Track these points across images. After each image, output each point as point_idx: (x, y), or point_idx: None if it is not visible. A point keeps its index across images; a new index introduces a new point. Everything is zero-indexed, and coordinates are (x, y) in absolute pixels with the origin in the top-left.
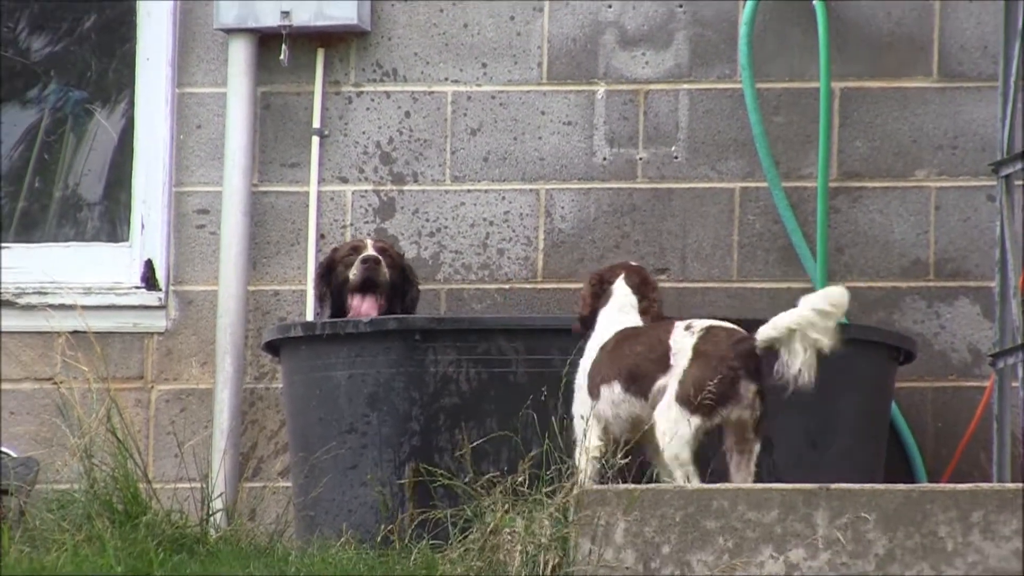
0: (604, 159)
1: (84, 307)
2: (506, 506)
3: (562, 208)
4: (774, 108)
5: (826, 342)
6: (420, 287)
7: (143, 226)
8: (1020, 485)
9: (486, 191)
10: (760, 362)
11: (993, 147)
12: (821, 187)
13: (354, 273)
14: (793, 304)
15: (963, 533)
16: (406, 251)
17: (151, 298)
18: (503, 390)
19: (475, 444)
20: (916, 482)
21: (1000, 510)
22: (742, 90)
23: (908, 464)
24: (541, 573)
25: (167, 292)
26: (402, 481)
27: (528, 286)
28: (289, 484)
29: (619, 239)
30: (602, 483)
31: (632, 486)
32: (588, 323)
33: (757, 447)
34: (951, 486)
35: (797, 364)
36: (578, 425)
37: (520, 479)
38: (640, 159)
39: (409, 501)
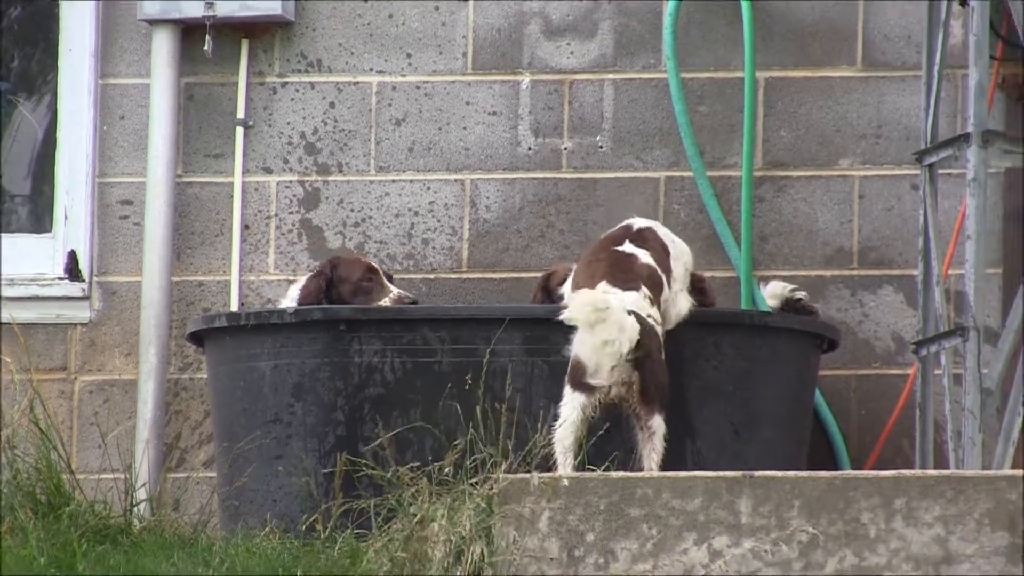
0: (529, 149)
1: (7, 298)
2: (431, 496)
3: (487, 198)
4: (699, 98)
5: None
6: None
7: (66, 217)
8: (942, 472)
9: (411, 181)
10: (644, 337)
11: (917, 136)
12: (746, 176)
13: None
14: (717, 294)
15: (886, 520)
16: (331, 242)
17: (74, 289)
18: (428, 380)
19: (397, 431)
20: (840, 469)
21: (923, 496)
22: (667, 80)
23: (832, 451)
24: (466, 563)
25: (91, 283)
26: (327, 471)
27: (453, 276)
28: (213, 474)
29: (544, 229)
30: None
31: (556, 474)
32: None
33: (655, 422)
34: (874, 473)
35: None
36: None
37: (445, 469)
38: (565, 149)
39: (333, 491)
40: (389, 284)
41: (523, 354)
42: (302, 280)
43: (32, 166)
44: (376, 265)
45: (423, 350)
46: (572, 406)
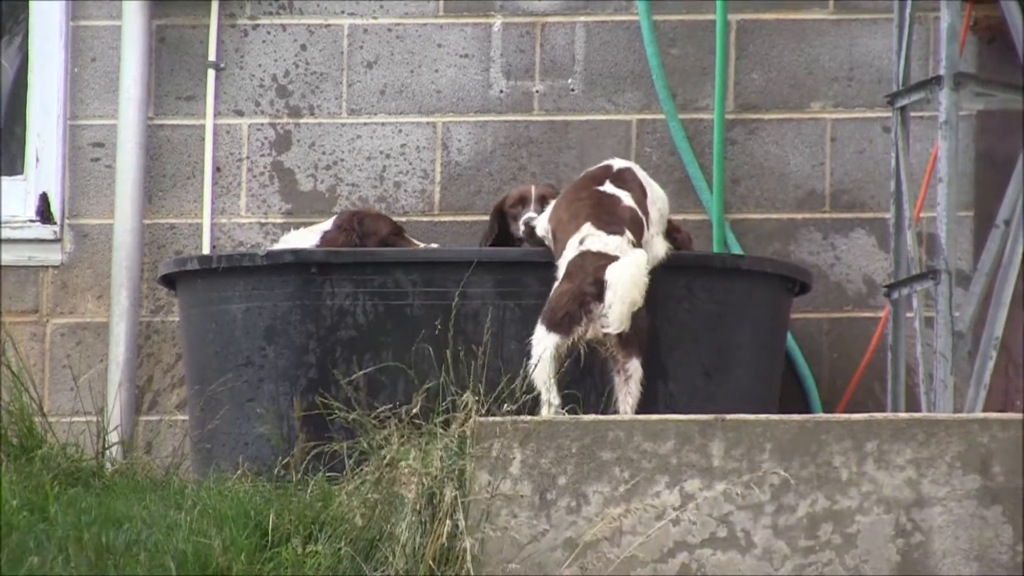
0: (501, 92)
1: None
2: (402, 438)
3: (459, 141)
4: (671, 40)
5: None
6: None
7: (38, 159)
8: (914, 415)
9: (383, 124)
10: None
11: (889, 79)
12: (718, 119)
13: (518, 231)
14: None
15: (857, 463)
16: (302, 184)
17: (46, 231)
18: (400, 323)
19: (369, 373)
20: (811, 412)
21: (894, 440)
22: (639, 22)
23: (803, 394)
24: (438, 504)
25: (62, 225)
26: (299, 415)
27: (425, 219)
28: (186, 417)
29: (516, 171)
30: None
31: (528, 417)
32: None
33: (632, 366)
34: (846, 416)
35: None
36: None
37: (414, 411)
38: (537, 91)
39: (304, 433)
40: (414, 241)
41: (495, 297)
42: (316, 229)
43: (3, 108)
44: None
45: (395, 293)
46: (544, 345)
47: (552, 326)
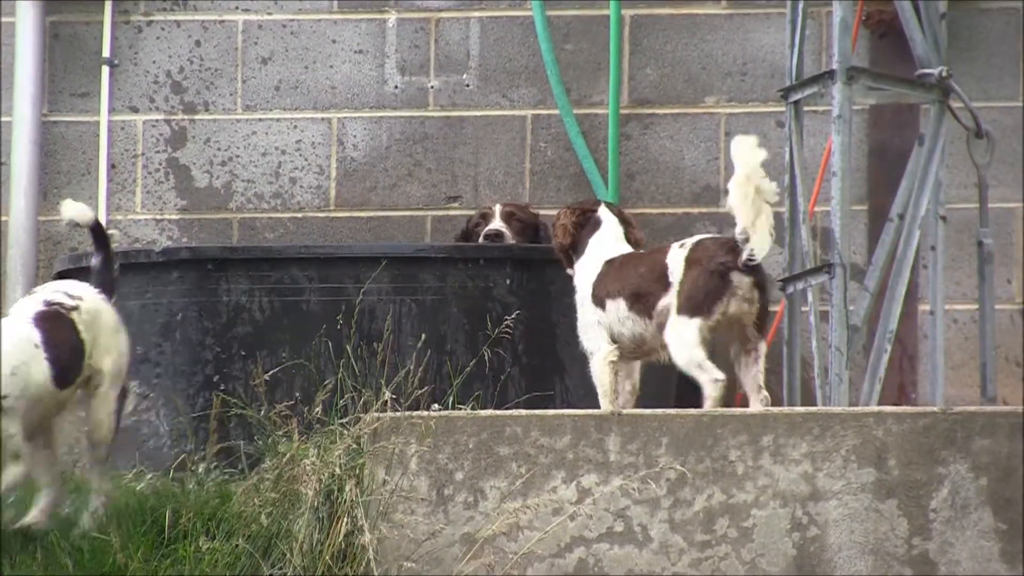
0: (396, 87)
1: None
2: (302, 436)
3: (354, 136)
4: (564, 36)
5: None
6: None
7: None
8: (809, 409)
9: (278, 120)
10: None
11: (782, 73)
12: (612, 114)
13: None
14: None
15: (753, 457)
16: (198, 180)
17: None
18: (297, 319)
19: (268, 373)
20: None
21: (790, 434)
22: (533, 18)
23: (698, 389)
24: (336, 502)
25: None
26: (196, 414)
27: (321, 215)
28: (83, 414)
29: (412, 167)
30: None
31: (425, 413)
32: (574, 249)
33: (762, 347)
34: (741, 411)
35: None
36: (585, 339)
37: (316, 410)
38: (432, 87)
39: (203, 431)
40: (493, 224)
41: (391, 292)
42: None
43: None
44: (495, 210)
45: (291, 289)
46: (689, 333)
47: (693, 311)
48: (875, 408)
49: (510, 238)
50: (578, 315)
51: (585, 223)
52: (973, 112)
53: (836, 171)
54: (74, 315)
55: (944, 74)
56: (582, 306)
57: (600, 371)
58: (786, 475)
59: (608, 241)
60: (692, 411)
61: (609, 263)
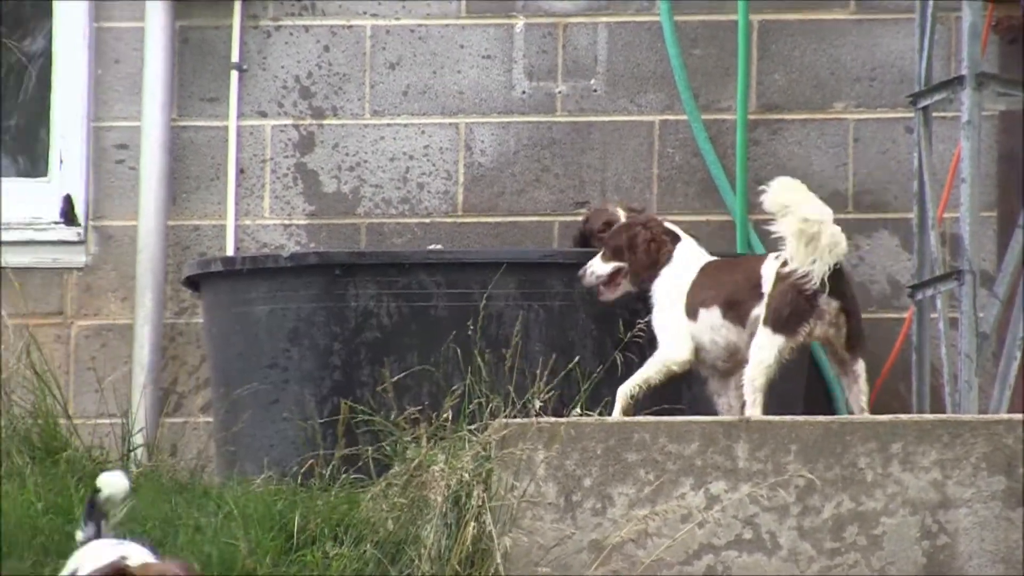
0: (523, 93)
1: (3, 243)
2: (430, 442)
3: (482, 142)
4: (692, 41)
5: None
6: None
7: (62, 161)
8: (939, 416)
9: (406, 125)
10: (843, 281)
11: (911, 79)
12: (740, 120)
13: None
14: (713, 238)
15: (883, 464)
16: (326, 186)
17: (70, 233)
18: (424, 325)
19: (396, 378)
20: (836, 414)
21: (919, 441)
22: (660, 23)
23: (828, 396)
24: (464, 508)
25: (86, 227)
26: (324, 420)
27: (448, 220)
28: (210, 420)
29: (539, 173)
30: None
31: (553, 419)
32: (655, 266)
33: (860, 367)
34: (871, 417)
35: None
36: (664, 339)
37: (444, 416)
38: (559, 92)
39: (331, 437)
40: None
41: (519, 298)
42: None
43: (28, 110)
44: (619, 213)
45: (419, 294)
46: (768, 351)
47: (778, 327)
48: (1005, 416)
49: None
50: (656, 316)
51: (666, 234)
52: None
53: (965, 177)
54: None
55: None
56: (666, 311)
57: (656, 370)
58: (915, 483)
59: (695, 251)
60: (821, 418)
61: (703, 271)
